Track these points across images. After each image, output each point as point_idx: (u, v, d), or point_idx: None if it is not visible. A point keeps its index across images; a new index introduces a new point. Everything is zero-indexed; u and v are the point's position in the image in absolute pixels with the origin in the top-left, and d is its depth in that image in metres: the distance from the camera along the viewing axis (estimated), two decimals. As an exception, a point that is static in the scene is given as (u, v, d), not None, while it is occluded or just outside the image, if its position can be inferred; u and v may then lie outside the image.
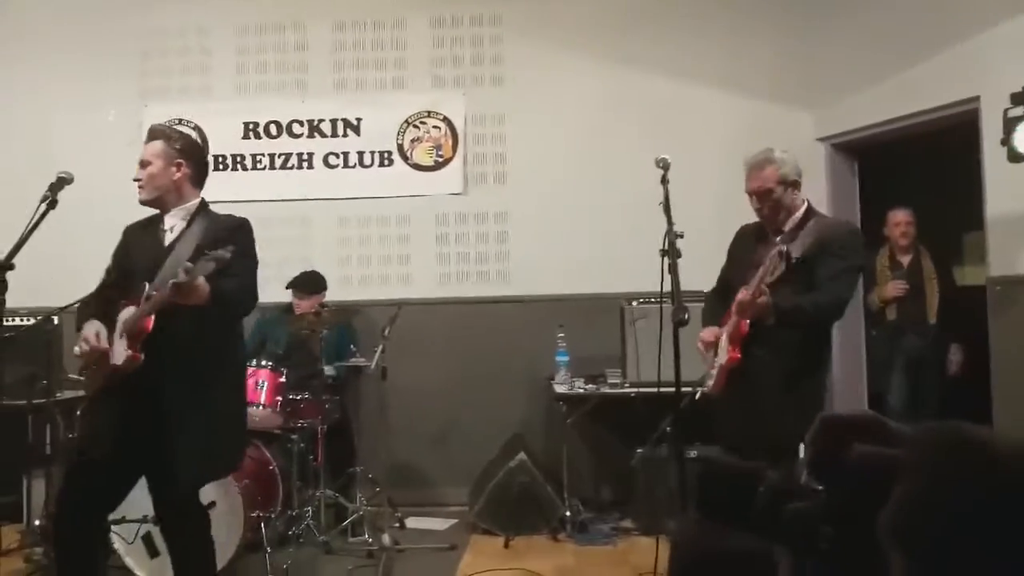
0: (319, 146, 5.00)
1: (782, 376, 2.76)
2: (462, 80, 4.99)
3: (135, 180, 2.71)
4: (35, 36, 5.09)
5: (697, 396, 2.99)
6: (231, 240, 2.59)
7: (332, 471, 4.17)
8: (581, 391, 4.30)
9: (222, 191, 4.93)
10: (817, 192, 4.70)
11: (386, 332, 4.21)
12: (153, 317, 2.52)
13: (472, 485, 4.53)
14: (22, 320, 4.20)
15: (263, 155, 5.01)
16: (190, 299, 2.43)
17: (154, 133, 2.78)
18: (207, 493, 3.49)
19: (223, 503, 3.51)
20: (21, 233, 2.56)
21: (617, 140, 4.84)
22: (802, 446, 1.95)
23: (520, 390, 4.85)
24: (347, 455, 4.40)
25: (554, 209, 4.91)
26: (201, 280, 2.40)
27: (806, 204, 2.92)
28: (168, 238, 2.72)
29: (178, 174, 2.75)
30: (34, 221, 2.60)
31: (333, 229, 5.01)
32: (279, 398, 3.88)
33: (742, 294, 2.74)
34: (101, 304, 2.71)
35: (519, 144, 4.95)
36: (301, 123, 5.00)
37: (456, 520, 4.46)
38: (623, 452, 4.43)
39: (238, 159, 5.02)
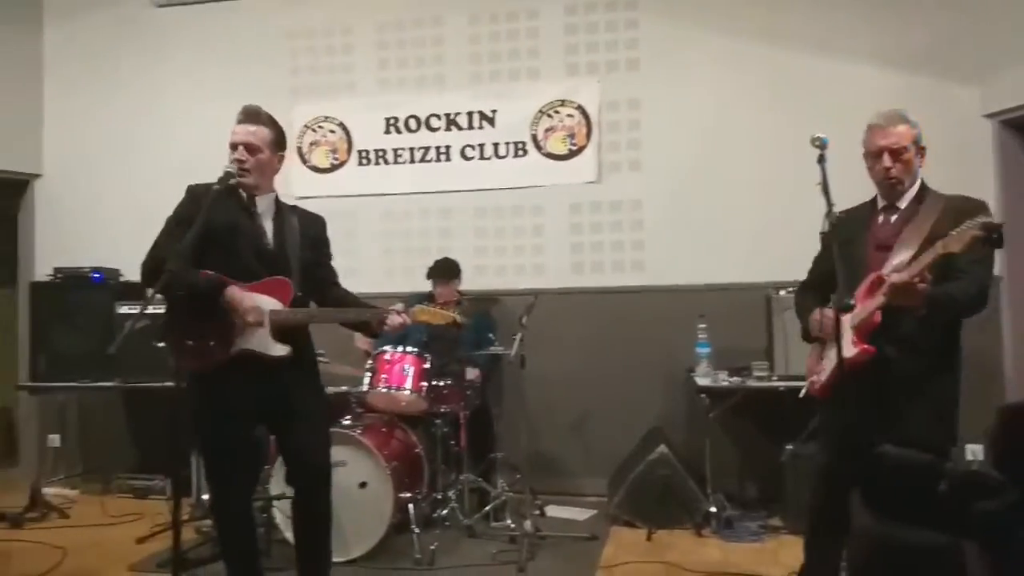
0: (456, 139, 5.09)
1: (916, 375, 2.49)
2: (596, 67, 4.95)
3: (238, 161, 2.71)
4: (189, 39, 5.47)
5: (802, 394, 2.81)
6: (325, 240, 2.98)
7: (473, 456, 4.25)
8: (726, 384, 4.17)
9: (366, 185, 5.19)
10: (983, 172, 4.38)
11: (523, 321, 4.23)
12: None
13: (611, 476, 4.50)
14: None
15: (404, 149, 5.16)
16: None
17: (258, 117, 2.81)
18: (359, 472, 3.68)
19: (374, 483, 3.66)
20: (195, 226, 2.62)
21: (760, 121, 4.66)
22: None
23: (658, 381, 4.77)
24: (488, 441, 4.47)
25: (692, 195, 4.79)
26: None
27: (921, 179, 2.66)
28: (267, 226, 2.81)
29: (278, 164, 2.87)
30: (203, 217, 2.63)
31: (470, 220, 5.10)
32: (424, 384, 3.98)
33: (896, 277, 2.40)
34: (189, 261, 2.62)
35: (655, 129, 4.86)
36: (439, 116, 5.11)
37: (596, 511, 4.44)
38: (769, 448, 4.27)
39: (380, 154, 5.19)
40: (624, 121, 4.91)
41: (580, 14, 4.97)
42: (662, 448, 4.14)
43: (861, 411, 2.50)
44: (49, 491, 4.88)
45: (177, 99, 5.45)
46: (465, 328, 4.13)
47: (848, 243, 2.65)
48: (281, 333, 2.71)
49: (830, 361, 2.62)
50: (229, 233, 2.72)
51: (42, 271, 5.40)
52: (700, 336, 4.33)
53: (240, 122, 2.79)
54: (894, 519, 2.04)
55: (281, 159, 2.88)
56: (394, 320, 2.82)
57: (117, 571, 3.65)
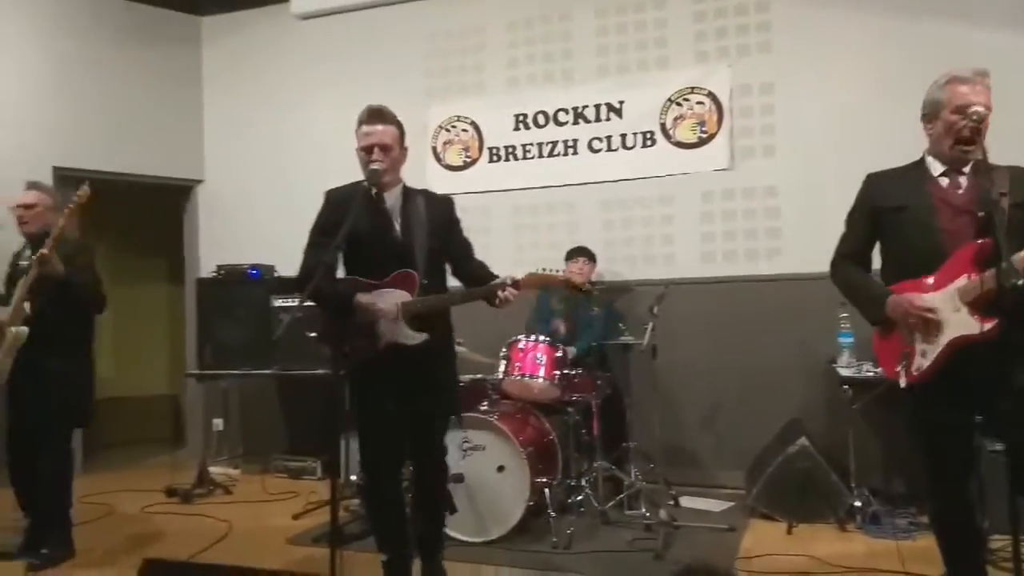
0: (583, 132, 5.14)
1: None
2: (726, 52, 4.87)
3: (374, 161, 2.80)
4: (331, 47, 5.80)
5: (903, 384, 2.47)
6: (456, 222, 3.04)
7: (606, 445, 4.29)
8: (870, 375, 4.01)
9: (496, 181, 5.33)
10: None
11: (655, 310, 4.23)
12: None
13: (748, 469, 4.42)
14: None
15: (532, 144, 5.26)
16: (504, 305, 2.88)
17: (385, 116, 2.87)
18: (497, 457, 3.80)
19: (511, 467, 3.77)
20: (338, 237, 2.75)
21: (904, 101, 4.36)
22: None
23: (795, 373, 4.64)
24: (620, 430, 4.50)
25: (830, 180, 4.59)
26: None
27: None
28: (396, 219, 2.91)
29: (404, 158, 2.97)
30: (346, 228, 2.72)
31: (597, 212, 5.14)
32: (556, 372, 4.06)
33: None
34: (334, 271, 2.84)
35: (790, 113, 4.72)
36: (566, 111, 5.18)
37: (732, 503, 4.38)
38: (917, 441, 4.06)
39: (510, 150, 5.32)
40: (757, 106, 4.80)
41: (708, 0, 4.90)
42: (803, 440, 4.03)
43: (978, 385, 2.33)
44: (214, 470, 5.32)
45: (321, 104, 5.80)
46: (595, 314, 4.22)
47: (907, 209, 2.49)
48: (417, 321, 2.85)
49: (930, 344, 2.40)
50: (364, 234, 2.84)
51: (206, 268, 5.89)
52: (843, 326, 4.18)
53: (367, 122, 2.85)
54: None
55: (406, 152, 2.98)
56: (506, 296, 2.82)
57: (277, 544, 3.94)
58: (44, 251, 3.39)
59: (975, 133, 2.36)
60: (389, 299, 2.85)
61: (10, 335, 3.48)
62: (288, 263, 5.30)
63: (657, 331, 4.26)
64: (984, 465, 2.96)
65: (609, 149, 5.08)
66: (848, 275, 2.71)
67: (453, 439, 3.65)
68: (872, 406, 4.14)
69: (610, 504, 4.10)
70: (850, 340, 4.14)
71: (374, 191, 2.88)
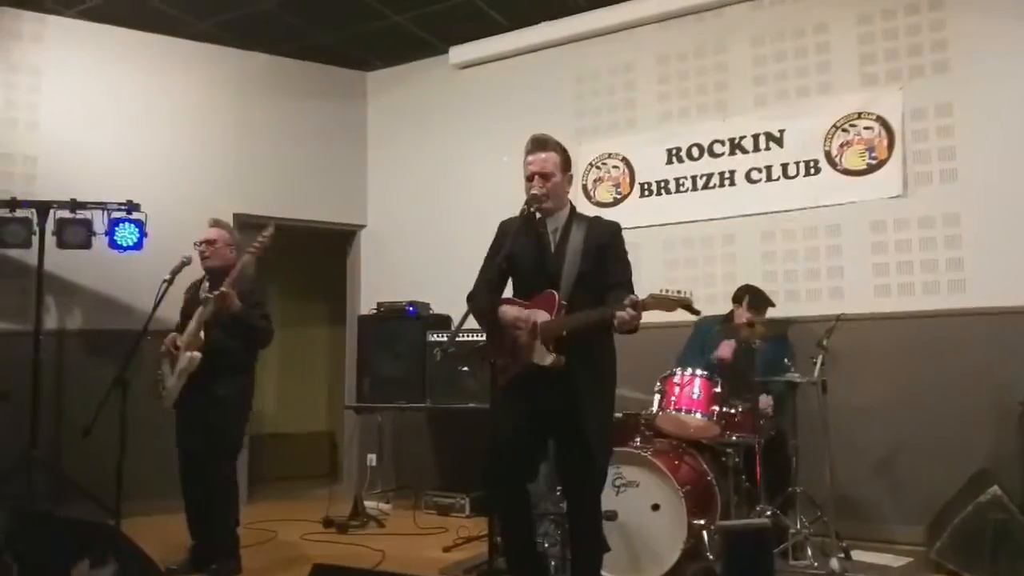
0: (741, 163, 5.00)
1: None
2: (897, 74, 4.60)
3: (538, 190, 2.89)
4: (486, 93, 6.01)
5: None
6: (613, 246, 2.94)
7: (769, 489, 4.01)
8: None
9: (648, 216, 5.26)
10: None
11: (824, 343, 3.95)
12: None
13: (930, 521, 3.99)
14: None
15: (686, 178, 5.17)
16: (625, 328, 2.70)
17: (546, 144, 2.96)
18: (652, 494, 3.64)
19: (667, 506, 3.60)
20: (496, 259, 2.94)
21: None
22: None
23: (985, 417, 4.18)
24: (784, 473, 4.19)
25: (1019, 205, 4.19)
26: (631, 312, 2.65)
27: None
28: (553, 242, 2.94)
29: (569, 184, 3.00)
30: (505, 251, 2.90)
31: (756, 244, 4.94)
32: (715, 408, 3.86)
33: None
34: (493, 296, 2.96)
35: (972, 136, 4.37)
36: (722, 143, 5.06)
37: (910, 559, 3.96)
38: None
39: (662, 184, 5.25)
40: (933, 129, 4.48)
41: (876, 22, 4.67)
42: (995, 489, 3.59)
43: None
44: (368, 504, 5.45)
45: (476, 148, 6.00)
46: (759, 350, 3.98)
47: None
48: (556, 343, 2.82)
49: None
50: (521, 256, 2.97)
51: (367, 307, 6.16)
52: (1041, 363, 3.74)
53: (531, 152, 2.98)
54: None
55: (571, 179, 3.06)
56: (622, 317, 2.68)
57: (430, 573, 3.95)
58: (225, 287, 3.65)
59: None
60: (533, 319, 2.88)
61: (184, 358, 3.72)
62: (444, 301, 5.56)
63: (827, 367, 3.98)
64: None
65: (769, 179, 4.90)
66: None
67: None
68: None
69: (774, 552, 3.80)
70: (1053, 379, 3.69)
71: (537, 215, 2.98)
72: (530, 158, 2.97)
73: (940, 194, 4.44)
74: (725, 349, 4.23)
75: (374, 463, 6.07)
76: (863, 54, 4.69)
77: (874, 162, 4.60)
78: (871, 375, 4.44)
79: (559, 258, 2.94)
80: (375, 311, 5.85)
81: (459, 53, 6.02)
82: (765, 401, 4.13)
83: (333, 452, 7.38)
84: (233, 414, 3.88)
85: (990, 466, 4.06)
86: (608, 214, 5.31)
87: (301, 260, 7.14)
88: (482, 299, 2.95)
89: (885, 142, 4.57)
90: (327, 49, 6.19)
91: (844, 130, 4.69)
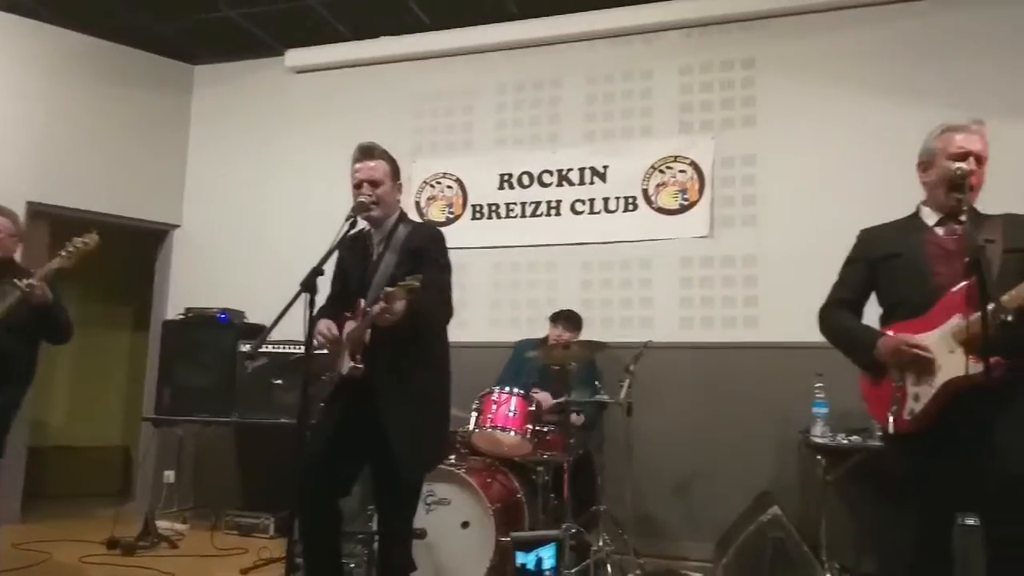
0: (567, 194, 5.19)
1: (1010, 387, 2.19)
2: (710, 124, 4.99)
3: (366, 198, 2.84)
4: (322, 101, 5.86)
5: (891, 431, 2.38)
6: (429, 251, 2.84)
7: (574, 507, 4.13)
8: (845, 443, 3.94)
9: (479, 238, 5.32)
10: None
11: (631, 368, 4.17)
12: (369, 332, 2.74)
13: (718, 539, 4.28)
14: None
15: (516, 204, 5.29)
16: (389, 321, 2.59)
17: (374, 152, 2.93)
18: (462, 512, 3.64)
19: (476, 524, 3.61)
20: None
21: (883, 176, 4.51)
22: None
23: (770, 443, 4.56)
24: (589, 492, 4.34)
25: (809, 252, 4.64)
26: (399, 305, 2.56)
27: None
28: (376, 252, 2.92)
29: (399, 193, 2.99)
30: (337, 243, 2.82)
31: (577, 273, 5.13)
32: (529, 426, 3.94)
33: None
34: (332, 316, 2.90)
35: (771, 185, 4.81)
36: (551, 172, 5.24)
37: (700, 574, 4.22)
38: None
39: (494, 208, 5.34)
40: (739, 177, 4.89)
41: (695, 74, 5.05)
42: (775, 509, 3.90)
43: (965, 437, 2.24)
44: (161, 524, 5.04)
45: (306, 156, 5.82)
46: (571, 368, 4.12)
47: (901, 256, 2.50)
48: (364, 353, 2.76)
49: (923, 386, 2.32)
50: (351, 271, 2.95)
51: (174, 313, 5.74)
52: (818, 395, 4.13)
53: (359, 160, 2.93)
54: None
55: (400, 187, 3.03)
56: (374, 310, 2.62)
57: (222, 595, 3.72)
58: (35, 282, 3.39)
59: (964, 180, 2.38)
60: (343, 331, 2.84)
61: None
62: (261, 311, 5.29)
63: (633, 391, 4.19)
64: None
65: (592, 212, 5.12)
66: (838, 319, 2.68)
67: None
68: (846, 479, 4.08)
69: (575, 569, 3.91)
70: (824, 410, 4.09)
71: (366, 226, 2.93)
72: (357, 165, 2.92)
73: (741, 236, 4.84)
74: (542, 397, 4.33)
75: (172, 480, 5.63)
76: (682, 103, 5.06)
77: (686, 203, 4.94)
78: (673, 401, 4.72)
79: (377, 265, 2.90)
80: (182, 316, 5.48)
81: (295, 57, 5.84)
82: (577, 419, 4.27)
83: (127, 468, 6.78)
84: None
85: (772, 488, 4.42)
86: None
87: (106, 258, 6.52)
88: (320, 315, 2.87)
89: (696, 185, 4.93)
90: (152, 36, 5.80)
91: (661, 171, 5.01)
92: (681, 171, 4.97)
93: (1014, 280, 2.24)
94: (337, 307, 2.96)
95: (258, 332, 5.32)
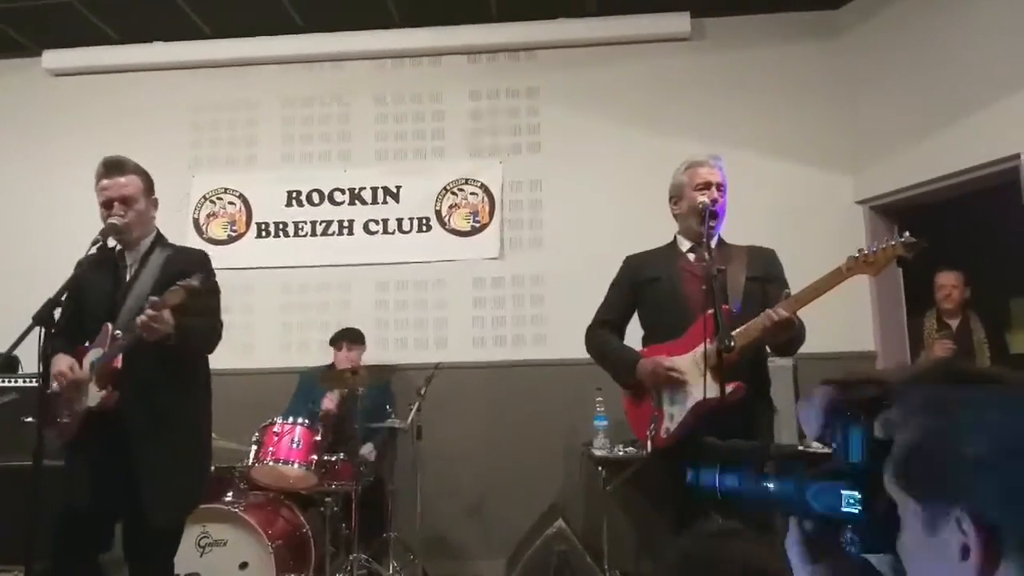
0: (359, 213, 5.09)
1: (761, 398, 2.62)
2: (499, 148, 5.11)
3: (118, 219, 2.62)
4: (88, 108, 5.35)
5: (649, 449, 2.60)
6: (185, 274, 2.59)
7: (365, 535, 4.05)
8: (621, 454, 4.17)
9: (265, 257, 5.09)
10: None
11: (422, 391, 4.16)
12: (121, 357, 2.53)
13: (509, 556, 4.37)
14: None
15: (305, 222, 5.11)
16: (157, 333, 2.41)
17: (124, 167, 2.70)
18: (240, 553, 3.44)
19: (256, 563, 3.44)
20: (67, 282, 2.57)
21: (654, 204, 4.82)
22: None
23: (558, 457, 4.73)
24: (381, 519, 4.28)
25: (591, 272, 4.80)
26: (167, 314, 2.40)
27: None
28: (129, 274, 2.70)
29: (153, 210, 2.78)
30: (83, 270, 2.63)
31: (371, 293, 5.05)
32: (314, 457, 3.81)
33: (776, 316, 2.40)
34: (65, 344, 2.63)
35: (555, 209, 5.01)
36: (343, 191, 5.12)
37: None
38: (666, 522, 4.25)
39: (280, 226, 5.12)
40: (526, 200, 5.04)
41: (484, 99, 5.15)
42: (559, 523, 4.05)
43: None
44: None
45: (68, 166, 5.26)
46: (361, 393, 4.03)
47: (659, 280, 2.72)
48: (105, 380, 2.55)
49: (678, 405, 2.54)
50: (92, 296, 2.67)
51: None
52: (598, 409, 4.34)
53: (105, 176, 2.68)
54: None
55: (156, 203, 2.80)
56: (141, 320, 2.41)
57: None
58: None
59: (704, 207, 2.62)
60: (89, 360, 2.58)
61: None
62: (12, 339, 4.69)
63: (424, 415, 4.18)
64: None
65: (385, 232, 5.06)
66: (602, 339, 2.85)
67: (190, 534, 3.27)
68: (624, 488, 4.31)
69: (366, 600, 3.84)
70: (604, 423, 4.30)
71: (117, 248, 2.70)
72: (105, 182, 2.67)
73: (529, 257, 4.99)
74: (328, 401, 4.23)
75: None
76: (473, 127, 5.14)
77: (477, 225, 5.02)
78: (466, 420, 4.77)
79: (130, 288, 2.66)
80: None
81: (54, 58, 5.28)
82: (367, 449, 4.20)
83: None
84: None
85: (561, 501, 4.58)
86: (222, 252, 5.07)
87: None
88: (54, 347, 2.53)
89: (487, 208, 5.02)
90: None
91: (453, 193, 5.06)
92: (472, 193, 5.05)
93: (758, 307, 2.49)
94: (69, 336, 2.66)
95: (10, 365, 4.75)
